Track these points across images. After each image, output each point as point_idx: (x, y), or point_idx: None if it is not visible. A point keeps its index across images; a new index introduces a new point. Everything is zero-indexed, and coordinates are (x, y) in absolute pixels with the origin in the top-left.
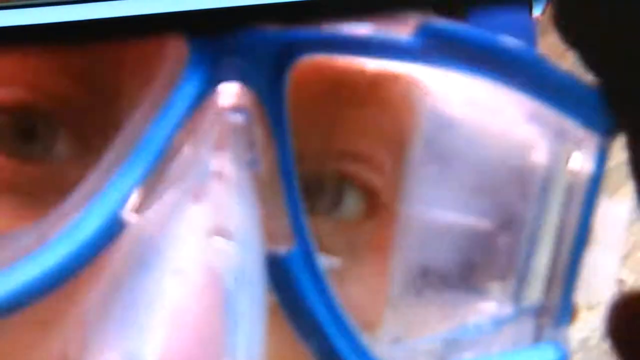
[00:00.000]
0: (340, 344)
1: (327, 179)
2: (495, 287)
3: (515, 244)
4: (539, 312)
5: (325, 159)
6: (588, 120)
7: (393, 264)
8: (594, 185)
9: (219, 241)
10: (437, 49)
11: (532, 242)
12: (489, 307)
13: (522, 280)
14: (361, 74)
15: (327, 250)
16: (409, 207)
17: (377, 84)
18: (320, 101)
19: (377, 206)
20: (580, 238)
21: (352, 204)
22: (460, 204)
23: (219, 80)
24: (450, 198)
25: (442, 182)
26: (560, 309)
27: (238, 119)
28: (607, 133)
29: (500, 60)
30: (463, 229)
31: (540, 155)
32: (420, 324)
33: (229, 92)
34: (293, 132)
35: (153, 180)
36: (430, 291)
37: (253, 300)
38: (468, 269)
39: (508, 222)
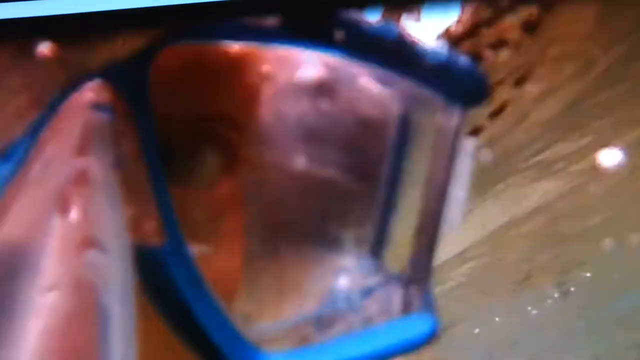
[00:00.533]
0: (216, 333)
1: (189, 142)
2: (350, 239)
3: (371, 194)
4: (407, 281)
5: (188, 125)
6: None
7: (250, 219)
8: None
9: (91, 254)
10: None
11: (390, 194)
12: (346, 262)
13: (380, 231)
14: (220, 51)
15: (193, 225)
16: (266, 158)
17: (235, 60)
18: (182, 79)
19: (236, 160)
20: (444, 187)
21: (212, 161)
22: (317, 157)
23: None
24: (306, 151)
25: (298, 137)
26: (426, 273)
27: (101, 117)
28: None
29: (359, 40)
30: (320, 180)
31: (394, 114)
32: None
33: (91, 88)
34: (159, 108)
35: (17, 180)
36: (287, 247)
37: (126, 308)
38: (324, 219)
39: (364, 175)
